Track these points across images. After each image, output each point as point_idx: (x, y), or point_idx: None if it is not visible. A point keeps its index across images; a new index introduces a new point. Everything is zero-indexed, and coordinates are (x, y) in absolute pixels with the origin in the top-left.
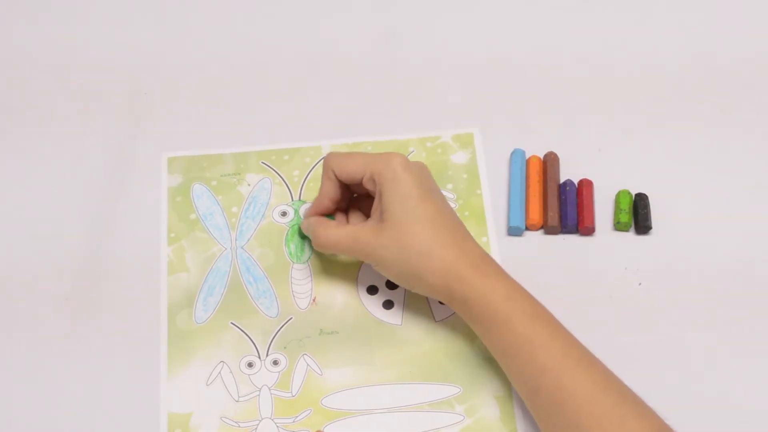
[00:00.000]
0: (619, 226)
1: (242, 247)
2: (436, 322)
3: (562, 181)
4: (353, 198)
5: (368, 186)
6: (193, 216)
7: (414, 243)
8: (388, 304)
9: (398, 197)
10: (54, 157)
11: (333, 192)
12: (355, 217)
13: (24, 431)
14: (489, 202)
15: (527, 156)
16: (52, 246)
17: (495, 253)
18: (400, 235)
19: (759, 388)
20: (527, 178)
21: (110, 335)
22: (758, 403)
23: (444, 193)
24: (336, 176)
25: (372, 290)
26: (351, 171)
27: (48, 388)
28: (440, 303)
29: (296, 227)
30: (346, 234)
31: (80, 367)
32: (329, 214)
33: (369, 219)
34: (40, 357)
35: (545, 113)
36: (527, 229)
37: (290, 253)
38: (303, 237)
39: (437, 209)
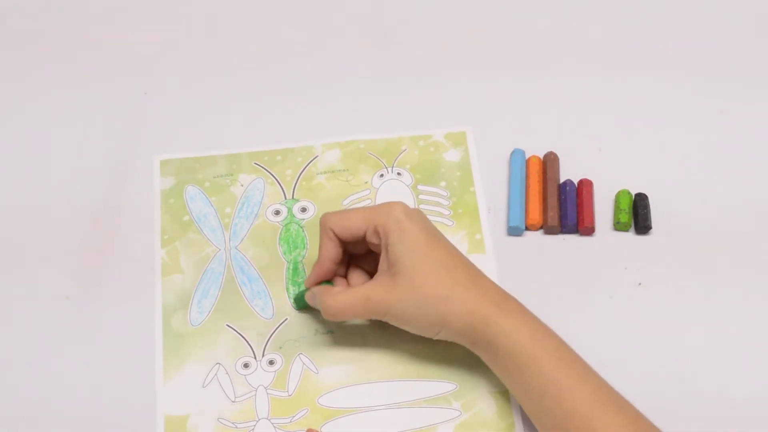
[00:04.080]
0: (618, 226)
1: (236, 248)
2: None
3: (561, 181)
4: (350, 259)
5: (372, 240)
6: (186, 218)
7: (433, 290)
8: None
9: (407, 246)
10: (49, 159)
11: (334, 253)
12: (356, 277)
13: None
14: (483, 200)
15: (527, 156)
16: (47, 248)
17: (490, 251)
18: (417, 284)
19: (758, 387)
20: (527, 178)
21: (105, 338)
22: (758, 402)
23: (437, 190)
24: (336, 235)
25: None
26: (352, 227)
27: (45, 393)
28: None
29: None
30: (357, 296)
31: (76, 370)
32: (328, 281)
33: (377, 275)
34: (37, 360)
35: (545, 113)
36: (527, 229)
37: (284, 253)
38: (304, 305)
39: (448, 252)
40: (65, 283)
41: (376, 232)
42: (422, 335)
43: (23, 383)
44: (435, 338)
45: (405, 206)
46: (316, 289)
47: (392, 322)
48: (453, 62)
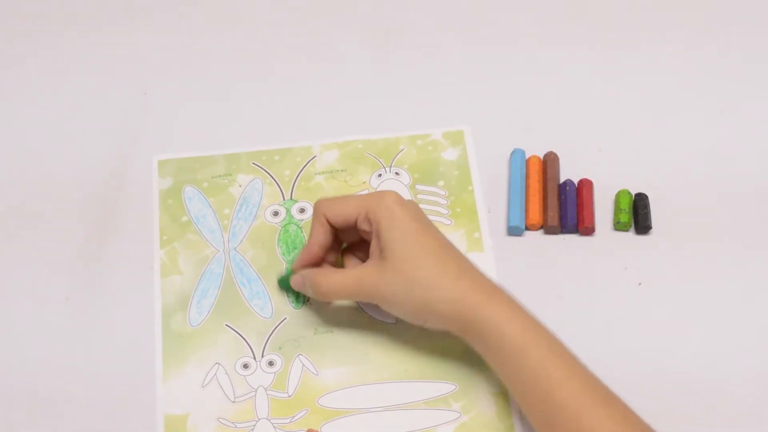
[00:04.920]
0: (618, 226)
1: (235, 249)
2: None
3: (561, 181)
4: (342, 250)
5: (363, 227)
6: (185, 218)
7: (421, 275)
8: None
9: (397, 233)
10: (47, 159)
11: (324, 239)
12: (348, 260)
13: None
14: (481, 199)
15: (527, 156)
16: (47, 248)
17: (489, 250)
18: (406, 269)
19: (759, 386)
20: (527, 177)
21: (105, 339)
22: (759, 401)
23: (435, 189)
24: (328, 221)
25: None
26: (344, 213)
27: (45, 393)
28: None
29: (285, 233)
30: (350, 277)
31: (76, 371)
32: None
33: (369, 260)
34: (37, 360)
35: (545, 113)
36: (527, 228)
37: (282, 254)
38: (288, 290)
39: (438, 241)
40: (64, 285)
41: (367, 219)
42: (410, 321)
43: (23, 383)
44: (424, 326)
45: (397, 195)
46: (308, 271)
47: (381, 306)
48: (452, 62)
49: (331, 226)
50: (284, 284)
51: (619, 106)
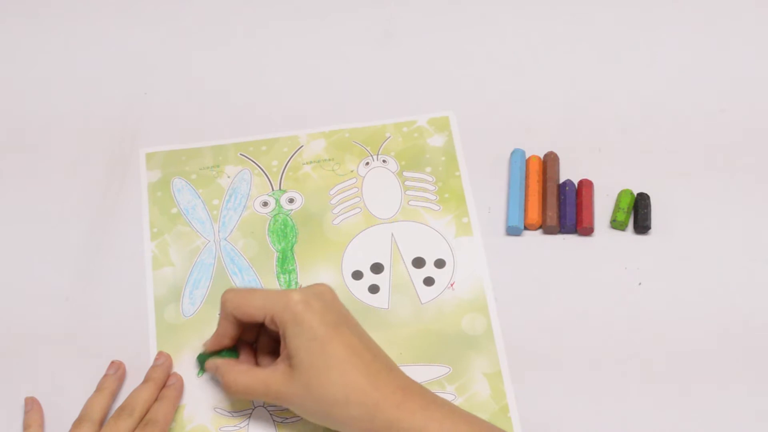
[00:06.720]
0: (615, 224)
1: (225, 239)
2: (422, 304)
3: (562, 181)
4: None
5: (271, 327)
6: (174, 210)
7: (328, 393)
8: (374, 289)
9: (303, 342)
10: (46, 153)
11: (232, 332)
12: (263, 358)
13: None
14: (468, 184)
15: (527, 156)
16: (38, 248)
17: (477, 233)
18: (313, 384)
19: (760, 387)
20: (527, 177)
21: (98, 333)
22: (760, 402)
23: (422, 176)
24: (236, 318)
25: (357, 275)
26: (250, 313)
27: (43, 390)
28: (425, 285)
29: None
30: (258, 381)
31: (73, 366)
32: (232, 349)
33: (279, 360)
34: (35, 359)
35: (545, 113)
36: (526, 228)
37: (272, 243)
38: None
39: (347, 347)
40: (62, 282)
41: (273, 322)
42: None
43: (22, 379)
44: None
45: (304, 295)
46: (219, 363)
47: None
48: (443, 55)
49: (238, 321)
50: (203, 361)
51: (619, 106)
